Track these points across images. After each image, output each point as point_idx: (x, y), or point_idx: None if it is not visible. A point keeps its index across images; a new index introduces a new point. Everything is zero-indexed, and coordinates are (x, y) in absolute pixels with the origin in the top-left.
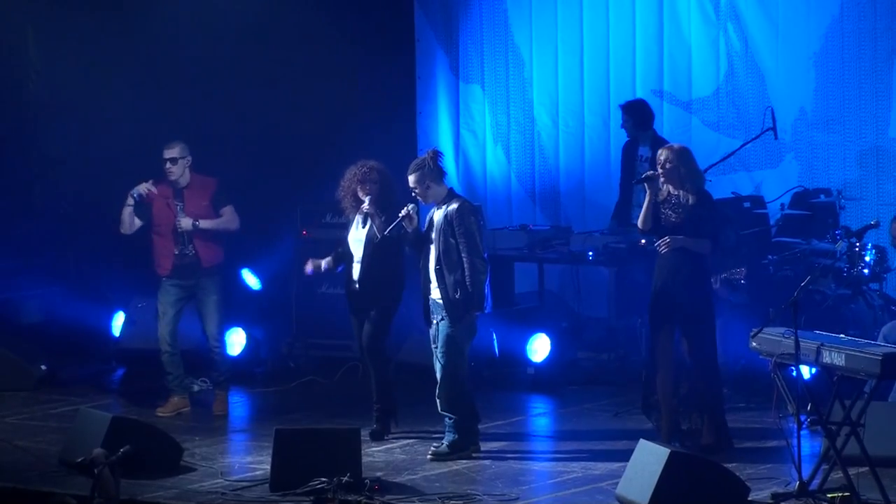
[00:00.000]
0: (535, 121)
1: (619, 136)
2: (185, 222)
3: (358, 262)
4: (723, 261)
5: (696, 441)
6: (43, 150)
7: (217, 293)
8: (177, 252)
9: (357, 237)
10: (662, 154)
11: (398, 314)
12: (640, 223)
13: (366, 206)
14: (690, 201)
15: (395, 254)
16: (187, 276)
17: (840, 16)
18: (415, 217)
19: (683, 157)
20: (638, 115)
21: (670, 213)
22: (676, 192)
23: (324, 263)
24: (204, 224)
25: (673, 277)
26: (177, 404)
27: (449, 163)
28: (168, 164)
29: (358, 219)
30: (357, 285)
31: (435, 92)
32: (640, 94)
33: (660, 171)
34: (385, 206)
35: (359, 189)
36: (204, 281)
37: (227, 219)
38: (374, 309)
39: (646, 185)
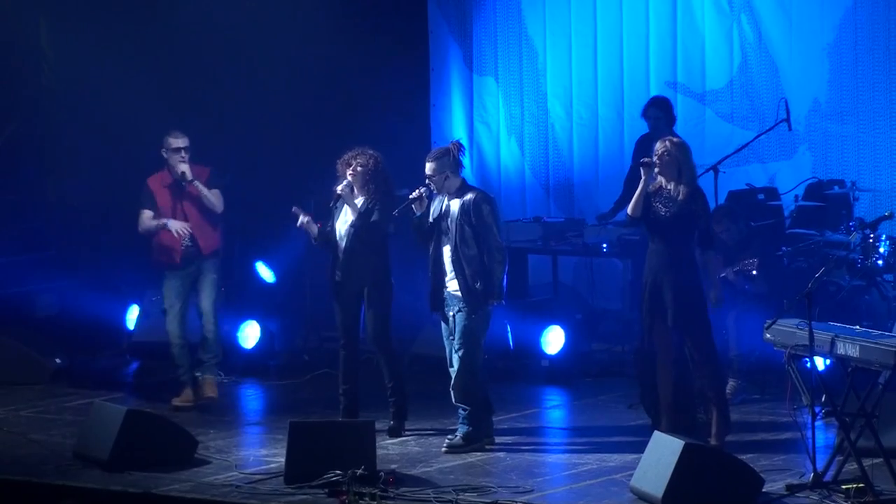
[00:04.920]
0: (548, 113)
1: (633, 128)
2: (185, 169)
3: (341, 251)
4: (737, 253)
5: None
6: (56, 142)
7: (215, 272)
8: (182, 245)
9: (341, 226)
10: (661, 146)
11: (413, 306)
12: (630, 209)
13: (340, 187)
14: (681, 196)
15: (379, 242)
16: (188, 264)
17: (854, 7)
18: (425, 201)
19: (682, 151)
20: (669, 111)
21: (660, 206)
22: (668, 186)
23: (308, 221)
24: (199, 185)
25: (661, 275)
26: (190, 395)
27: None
28: (182, 153)
29: (345, 208)
30: (339, 275)
31: (449, 84)
32: (653, 86)
33: (656, 160)
34: (376, 193)
35: (347, 172)
36: (203, 264)
37: (216, 198)
38: (360, 298)
39: (642, 170)
